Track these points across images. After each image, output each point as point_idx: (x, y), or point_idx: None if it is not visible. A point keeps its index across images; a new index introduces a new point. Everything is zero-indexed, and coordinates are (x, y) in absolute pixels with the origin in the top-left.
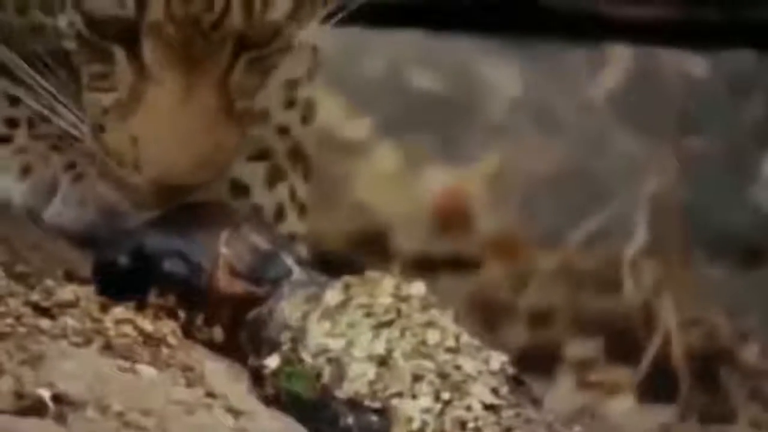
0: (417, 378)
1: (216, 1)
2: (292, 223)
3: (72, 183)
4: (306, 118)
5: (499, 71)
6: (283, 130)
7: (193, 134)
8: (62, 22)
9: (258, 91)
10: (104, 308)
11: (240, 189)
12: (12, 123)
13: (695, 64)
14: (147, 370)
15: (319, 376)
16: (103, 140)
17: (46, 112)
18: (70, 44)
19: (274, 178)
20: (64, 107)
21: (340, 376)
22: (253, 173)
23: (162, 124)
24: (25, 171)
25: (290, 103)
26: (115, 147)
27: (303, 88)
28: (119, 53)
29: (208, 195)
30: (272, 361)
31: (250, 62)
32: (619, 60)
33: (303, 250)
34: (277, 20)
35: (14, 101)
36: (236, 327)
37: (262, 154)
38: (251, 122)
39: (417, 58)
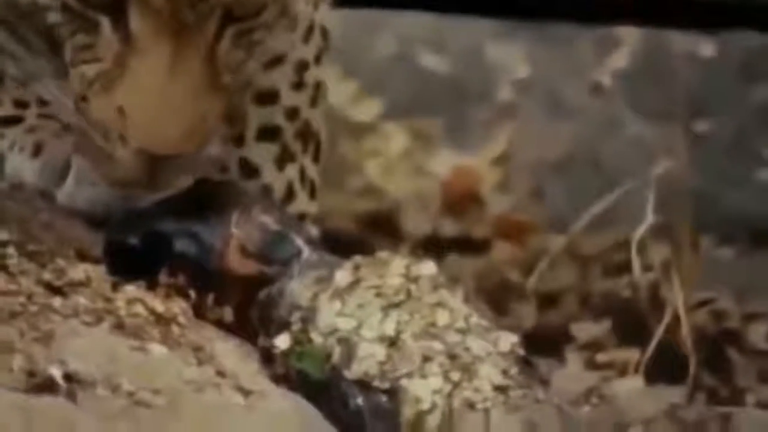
0: (426, 359)
1: None
2: (303, 203)
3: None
4: (315, 100)
5: (508, 53)
6: (293, 112)
7: (180, 104)
8: None
9: (243, 65)
10: (115, 287)
11: (250, 169)
12: (21, 104)
13: (704, 46)
14: (158, 349)
15: (328, 356)
16: (87, 111)
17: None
18: (55, 17)
19: (283, 158)
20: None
21: (349, 356)
22: (262, 154)
23: (148, 94)
24: (37, 150)
25: (299, 85)
26: (99, 117)
27: (312, 70)
28: (105, 23)
29: (218, 175)
30: (282, 341)
31: (236, 35)
32: (627, 42)
33: (313, 231)
34: None
35: (24, 82)
36: (247, 307)
37: (271, 135)
38: (234, 96)
39: (427, 40)
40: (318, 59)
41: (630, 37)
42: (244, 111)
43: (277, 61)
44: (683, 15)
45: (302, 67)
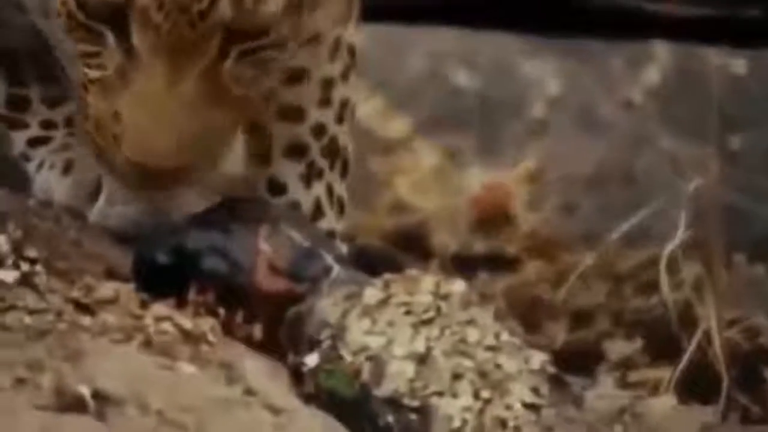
0: (457, 376)
1: None
2: (330, 221)
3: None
4: (342, 117)
5: (539, 69)
6: (319, 129)
7: (176, 119)
8: (54, 1)
9: (256, 81)
10: (144, 305)
11: (277, 187)
12: (49, 125)
13: (737, 63)
14: (186, 368)
15: (358, 374)
16: (86, 109)
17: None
18: (64, 24)
19: (310, 175)
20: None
21: (379, 374)
22: (289, 171)
23: (145, 107)
24: (68, 168)
25: (326, 102)
26: (97, 118)
27: (338, 87)
28: (109, 35)
29: (245, 193)
30: (312, 359)
31: (241, 54)
32: (660, 58)
33: (342, 248)
34: (270, 14)
35: (52, 104)
36: (276, 324)
37: (298, 152)
38: (251, 110)
39: (458, 57)
40: (345, 76)
41: (662, 53)
42: (269, 129)
43: (298, 76)
44: (716, 31)
45: (328, 84)
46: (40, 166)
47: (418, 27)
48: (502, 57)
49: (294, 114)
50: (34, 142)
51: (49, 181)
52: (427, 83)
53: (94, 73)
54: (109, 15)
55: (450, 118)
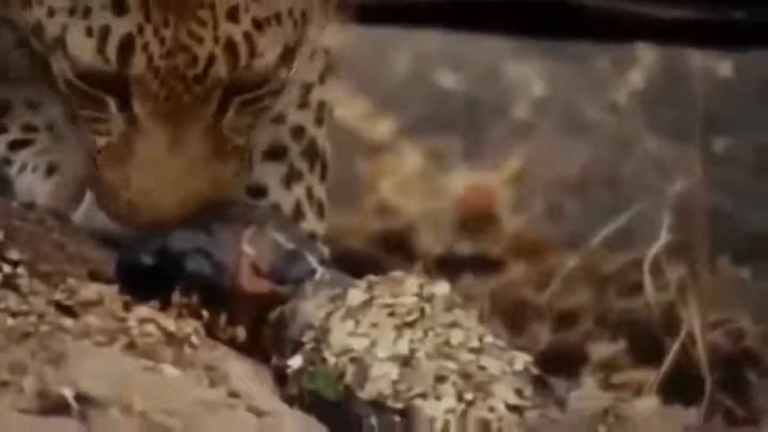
0: (440, 378)
1: (199, 56)
2: (311, 223)
3: None
4: (320, 120)
5: (525, 71)
6: (298, 131)
7: (182, 182)
8: (55, 65)
9: (251, 129)
10: (127, 307)
11: (257, 189)
12: (30, 128)
13: (722, 65)
14: (170, 370)
15: (341, 376)
16: (97, 176)
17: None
18: (63, 88)
19: (290, 178)
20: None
21: (362, 376)
22: (270, 174)
23: (151, 174)
24: (51, 170)
25: (304, 105)
26: (109, 185)
27: (316, 90)
28: (111, 102)
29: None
30: (295, 361)
31: (242, 104)
32: (645, 60)
33: (325, 250)
34: (267, 66)
35: (32, 107)
36: (259, 326)
37: (278, 155)
38: (243, 157)
39: (443, 58)
40: (322, 79)
41: (647, 55)
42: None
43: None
44: (701, 33)
45: (306, 87)
46: (22, 168)
47: (404, 28)
48: (487, 59)
49: (274, 117)
50: (15, 145)
51: (32, 183)
52: (412, 85)
53: (100, 141)
54: (107, 82)
55: (435, 120)
